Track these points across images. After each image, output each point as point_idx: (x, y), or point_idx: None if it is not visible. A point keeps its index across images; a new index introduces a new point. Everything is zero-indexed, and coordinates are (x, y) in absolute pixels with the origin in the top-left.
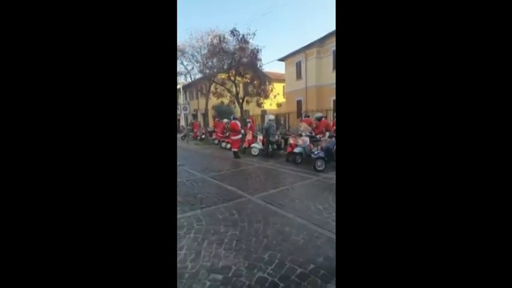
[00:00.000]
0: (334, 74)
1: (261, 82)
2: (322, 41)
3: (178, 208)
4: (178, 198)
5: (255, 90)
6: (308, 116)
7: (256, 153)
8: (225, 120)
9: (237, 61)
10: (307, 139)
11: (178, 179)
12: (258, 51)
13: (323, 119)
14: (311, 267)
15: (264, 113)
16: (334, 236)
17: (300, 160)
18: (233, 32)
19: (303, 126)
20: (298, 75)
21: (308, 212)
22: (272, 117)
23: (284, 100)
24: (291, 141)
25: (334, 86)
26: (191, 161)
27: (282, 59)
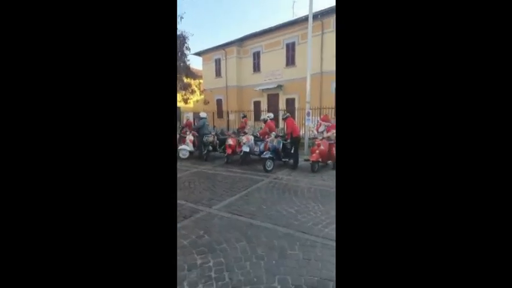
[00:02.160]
0: (254, 76)
1: (187, 75)
2: (241, 41)
3: None
4: None
5: (180, 84)
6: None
7: (185, 156)
8: None
9: None
10: (251, 137)
11: None
12: (185, 38)
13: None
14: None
15: (179, 110)
16: (327, 241)
17: (241, 161)
18: None
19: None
20: (218, 73)
21: (283, 218)
22: (204, 114)
23: (201, 97)
24: (230, 141)
25: (255, 88)
26: None
27: (198, 53)
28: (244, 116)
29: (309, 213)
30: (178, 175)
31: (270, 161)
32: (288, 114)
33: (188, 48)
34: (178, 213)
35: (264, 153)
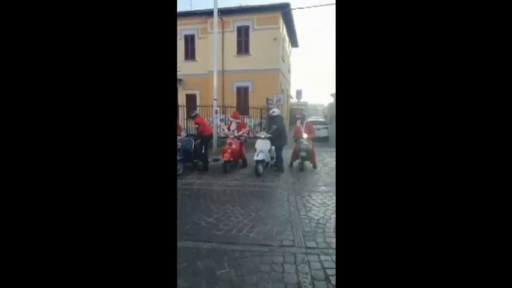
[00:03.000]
0: None
1: None
2: None
3: None
4: None
5: None
6: None
7: None
8: None
9: None
10: None
11: None
12: None
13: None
14: None
15: None
16: (255, 248)
17: None
18: None
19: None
20: None
21: (203, 231)
22: None
23: None
24: None
25: None
26: None
27: None
28: None
29: (230, 219)
30: None
31: (181, 163)
32: (196, 111)
33: None
34: None
35: (178, 155)
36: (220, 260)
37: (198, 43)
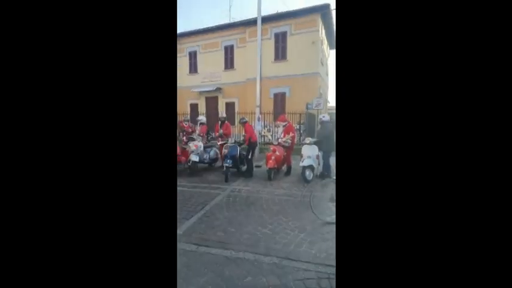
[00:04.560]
0: (190, 77)
1: None
2: (178, 40)
3: None
4: None
5: None
6: (188, 120)
7: None
8: None
9: None
10: (201, 144)
11: None
12: None
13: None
14: None
15: None
16: (321, 269)
17: (189, 172)
18: None
19: (201, 131)
20: None
21: (260, 242)
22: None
23: None
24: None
25: (192, 90)
26: None
27: None
28: (187, 120)
29: (286, 232)
30: None
31: (228, 169)
32: (245, 118)
33: None
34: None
35: (226, 161)
36: (286, 279)
37: (236, 52)
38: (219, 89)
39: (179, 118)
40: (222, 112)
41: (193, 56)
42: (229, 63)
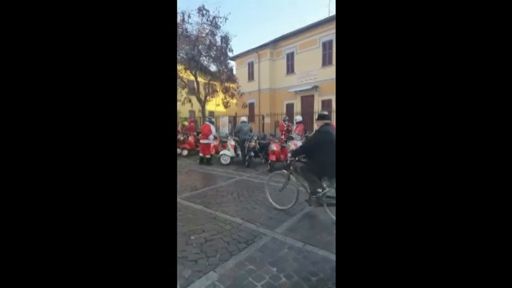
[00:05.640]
0: (287, 78)
1: (229, 78)
2: (275, 43)
3: None
4: None
5: (221, 87)
6: (287, 120)
7: (226, 162)
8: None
9: (208, 48)
10: (300, 143)
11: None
12: (228, 39)
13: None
14: None
15: (210, 114)
16: None
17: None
18: (201, 11)
19: (298, 130)
20: (251, 77)
21: None
22: (245, 119)
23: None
24: (274, 147)
25: (288, 90)
26: None
27: (232, 58)
28: (286, 120)
29: None
30: (222, 183)
31: None
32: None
33: (231, 50)
34: (237, 235)
35: None
36: None
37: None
38: (315, 87)
39: (276, 118)
40: (319, 110)
41: (290, 57)
42: (327, 60)
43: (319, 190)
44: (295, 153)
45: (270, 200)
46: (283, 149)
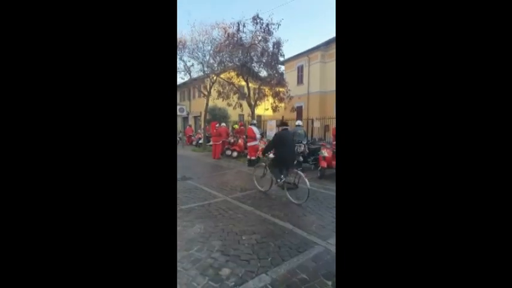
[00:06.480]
0: None
1: (279, 82)
2: (327, 44)
3: None
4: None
5: (271, 92)
6: None
7: None
8: (223, 124)
9: (260, 54)
10: None
11: (195, 202)
12: (280, 45)
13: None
14: None
15: (254, 118)
16: None
17: None
18: (256, 19)
19: None
20: (300, 81)
21: None
22: (300, 122)
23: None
24: (325, 153)
25: None
26: (197, 173)
27: (281, 63)
28: None
29: None
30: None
31: None
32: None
33: (282, 55)
34: (288, 241)
35: None
36: None
37: None
38: None
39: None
40: None
41: None
42: None
43: (279, 180)
44: (263, 151)
45: (256, 183)
46: (335, 155)
